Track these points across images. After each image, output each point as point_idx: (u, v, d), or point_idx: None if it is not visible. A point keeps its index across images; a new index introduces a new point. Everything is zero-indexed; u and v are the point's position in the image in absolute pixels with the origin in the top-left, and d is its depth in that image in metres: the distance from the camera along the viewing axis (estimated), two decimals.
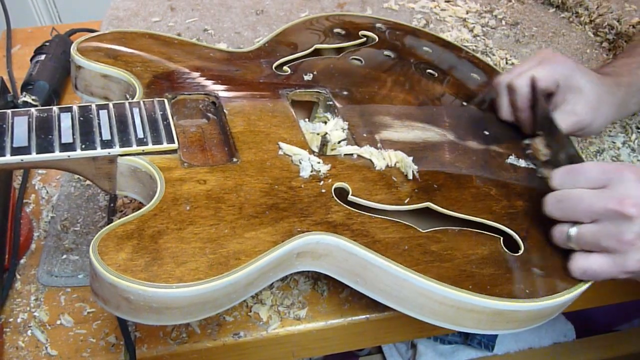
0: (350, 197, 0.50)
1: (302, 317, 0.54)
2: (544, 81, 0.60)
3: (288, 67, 0.63)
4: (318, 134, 0.56)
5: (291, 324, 0.54)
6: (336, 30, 0.71)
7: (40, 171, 0.68)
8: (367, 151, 0.54)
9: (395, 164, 0.54)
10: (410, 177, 0.53)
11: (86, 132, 0.47)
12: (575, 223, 0.49)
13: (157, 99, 0.52)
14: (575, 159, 0.56)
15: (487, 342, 0.92)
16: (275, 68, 0.62)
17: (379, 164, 0.53)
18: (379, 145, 0.56)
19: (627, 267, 0.47)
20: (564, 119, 0.59)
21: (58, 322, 0.54)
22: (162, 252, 0.40)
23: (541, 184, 0.57)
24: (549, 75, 0.60)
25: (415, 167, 0.53)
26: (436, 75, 0.68)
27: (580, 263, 0.49)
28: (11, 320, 0.54)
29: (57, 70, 0.76)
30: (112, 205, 0.62)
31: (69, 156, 0.46)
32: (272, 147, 0.52)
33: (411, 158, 0.54)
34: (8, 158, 0.44)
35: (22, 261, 0.58)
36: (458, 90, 0.67)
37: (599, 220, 0.47)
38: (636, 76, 0.66)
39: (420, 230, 0.49)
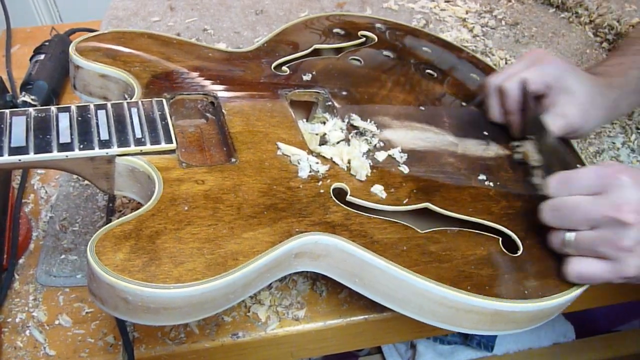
0: (349, 198, 0.50)
1: (300, 317, 0.54)
2: (534, 84, 0.59)
3: (287, 67, 0.63)
4: (317, 134, 0.56)
5: (290, 325, 0.54)
6: (335, 30, 0.70)
7: (39, 171, 0.68)
8: (329, 151, 0.53)
9: (347, 162, 0.53)
10: (363, 178, 0.52)
11: (84, 132, 0.47)
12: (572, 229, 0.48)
13: (156, 99, 0.52)
14: (568, 164, 0.55)
15: (486, 342, 0.92)
16: (274, 68, 0.62)
17: (341, 163, 0.53)
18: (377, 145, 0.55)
19: (624, 273, 0.46)
20: (554, 121, 0.58)
21: (56, 322, 0.54)
22: (159, 253, 0.40)
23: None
24: (539, 78, 0.59)
25: (369, 169, 0.52)
26: (435, 75, 0.68)
27: (577, 267, 0.48)
28: (9, 320, 0.54)
29: (57, 70, 0.76)
30: (110, 205, 0.62)
31: (67, 156, 0.46)
32: (270, 147, 0.52)
33: (403, 156, 0.54)
34: (6, 158, 0.44)
35: (20, 261, 0.58)
36: (457, 91, 0.67)
37: (596, 227, 0.47)
38: (629, 77, 0.64)
39: (418, 230, 0.49)
